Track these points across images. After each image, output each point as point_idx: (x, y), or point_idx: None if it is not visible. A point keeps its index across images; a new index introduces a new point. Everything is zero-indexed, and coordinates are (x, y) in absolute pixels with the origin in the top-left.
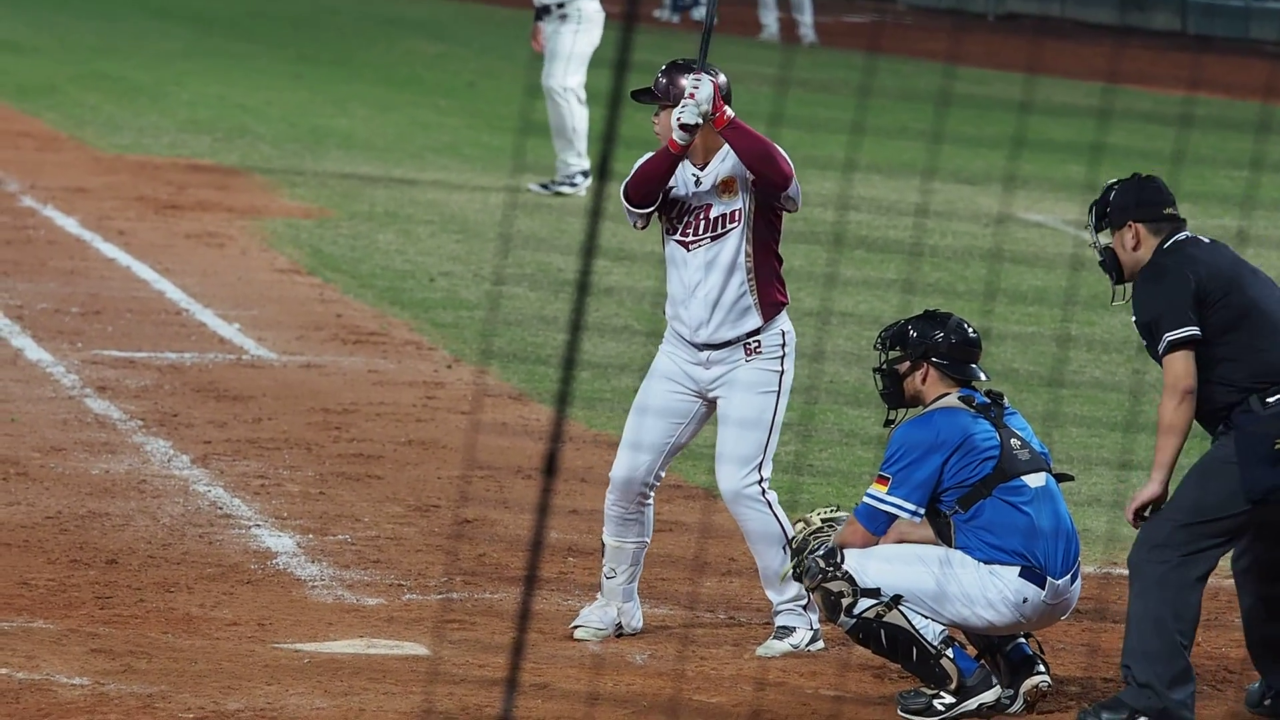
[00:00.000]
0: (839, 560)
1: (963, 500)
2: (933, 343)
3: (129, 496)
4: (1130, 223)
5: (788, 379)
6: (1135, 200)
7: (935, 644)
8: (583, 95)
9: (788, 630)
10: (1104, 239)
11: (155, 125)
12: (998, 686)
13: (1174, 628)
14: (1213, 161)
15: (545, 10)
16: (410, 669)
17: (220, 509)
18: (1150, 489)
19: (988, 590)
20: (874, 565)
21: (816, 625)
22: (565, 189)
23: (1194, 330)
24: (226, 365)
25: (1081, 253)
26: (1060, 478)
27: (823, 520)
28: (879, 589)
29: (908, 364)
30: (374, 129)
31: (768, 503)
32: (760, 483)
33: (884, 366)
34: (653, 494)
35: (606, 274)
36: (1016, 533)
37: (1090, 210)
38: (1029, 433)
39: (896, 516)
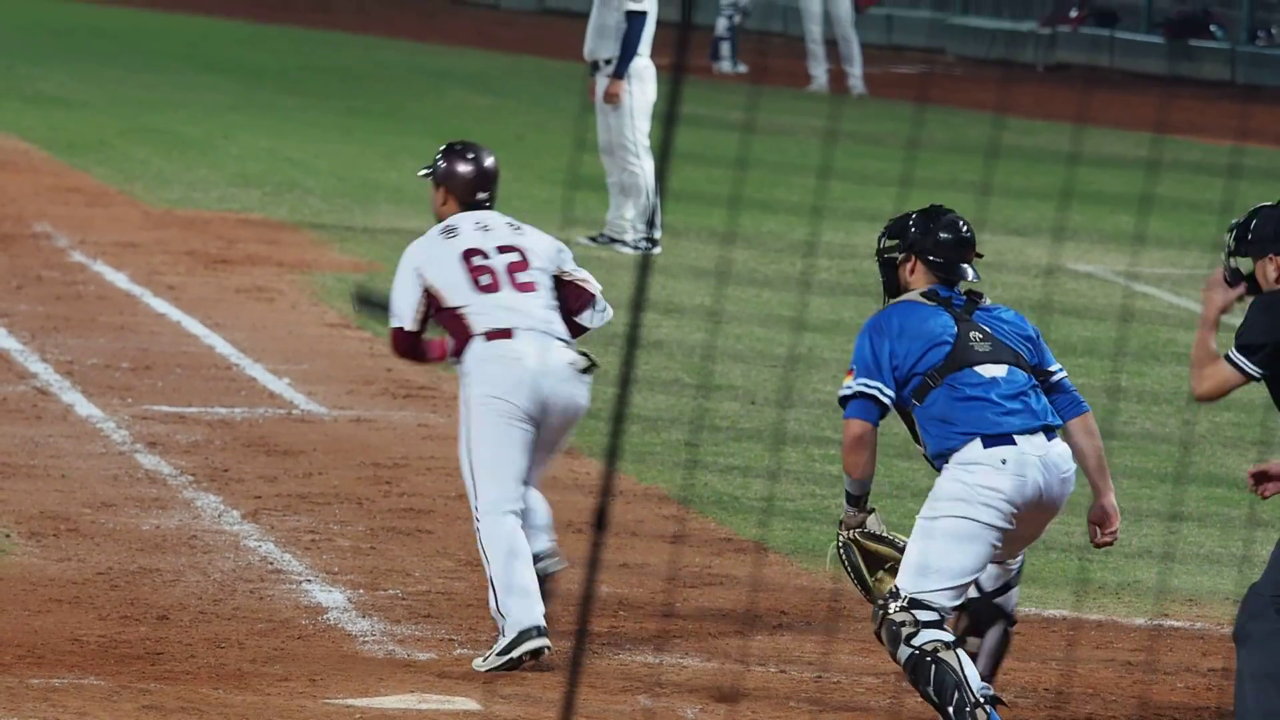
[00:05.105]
0: (897, 591)
1: (917, 391)
2: (923, 236)
3: (180, 552)
4: (1272, 255)
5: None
6: (1275, 232)
7: (975, 695)
8: (646, 144)
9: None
10: (1238, 263)
11: (204, 180)
12: None
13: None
14: None
15: (595, 66)
16: None
17: (271, 564)
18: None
19: (971, 486)
20: (911, 563)
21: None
22: (625, 248)
23: (1258, 372)
24: (277, 420)
25: (1131, 303)
26: (1039, 372)
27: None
28: (940, 620)
29: (900, 255)
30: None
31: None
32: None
33: (881, 256)
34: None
35: (656, 328)
36: (966, 416)
37: (1230, 230)
38: (1010, 327)
39: (863, 396)
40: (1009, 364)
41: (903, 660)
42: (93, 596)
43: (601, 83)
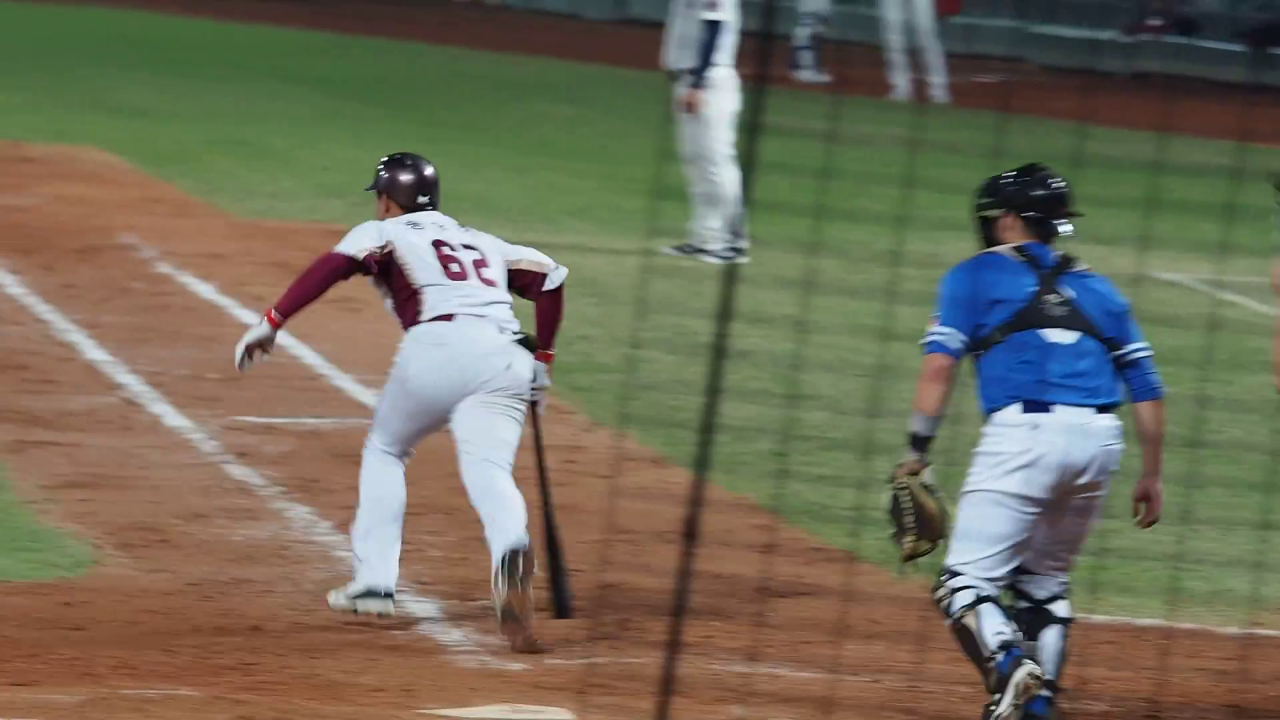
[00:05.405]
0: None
1: (982, 342)
2: (1017, 192)
3: (271, 563)
4: None
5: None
6: None
7: (989, 648)
8: (729, 153)
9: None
10: None
11: (289, 190)
12: (1015, 682)
13: None
14: None
15: (678, 75)
16: None
17: None
18: None
19: (996, 454)
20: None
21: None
22: (710, 258)
23: None
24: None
25: (1218, 312)
26: (1111, 343)
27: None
28: (967, 586)
29: (996, 212)
30: (507, 192)
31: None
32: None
33: (978, 213)
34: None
35: (743, 337)
36: (1014, 378)
37: None
38: (1097, 297)
39: (940, 342)
40: (1081, 332)
41: (951, 633)
42: (185, 608)
43: (683, 92)
